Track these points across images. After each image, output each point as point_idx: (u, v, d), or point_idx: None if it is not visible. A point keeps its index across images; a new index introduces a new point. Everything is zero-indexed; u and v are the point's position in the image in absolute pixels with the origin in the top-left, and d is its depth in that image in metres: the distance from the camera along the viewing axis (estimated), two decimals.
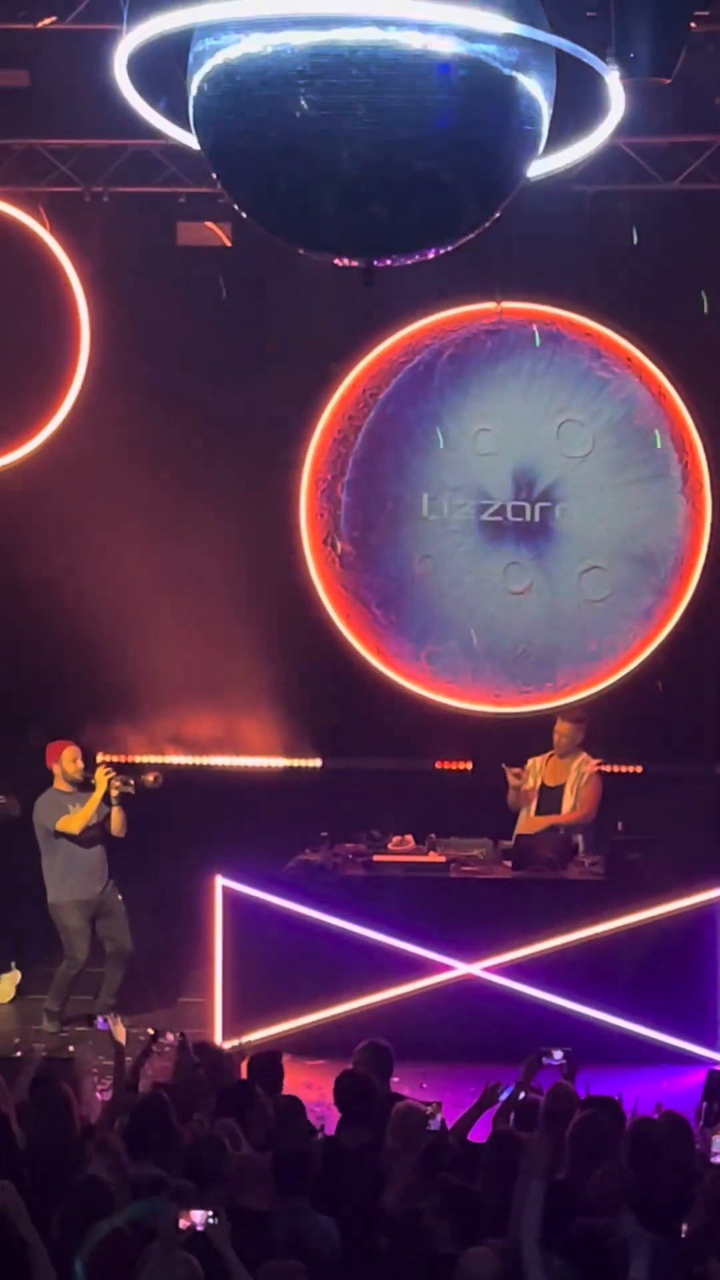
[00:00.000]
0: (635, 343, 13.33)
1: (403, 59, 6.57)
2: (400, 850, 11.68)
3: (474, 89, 6.70)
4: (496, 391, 13.52)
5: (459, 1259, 6.03)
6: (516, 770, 11.98)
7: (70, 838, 11.65)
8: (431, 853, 11.62)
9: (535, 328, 13.43)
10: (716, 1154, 6.68)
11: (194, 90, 6.96)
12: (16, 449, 13.34)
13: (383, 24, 6.50)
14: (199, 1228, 5.94)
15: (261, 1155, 6.94)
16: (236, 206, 7.45)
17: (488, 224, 7.27)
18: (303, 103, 6.61)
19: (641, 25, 8.37)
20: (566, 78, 7.18)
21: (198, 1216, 5.92)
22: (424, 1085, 9.81)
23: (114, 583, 13.23)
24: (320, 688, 13.38)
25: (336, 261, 7.33)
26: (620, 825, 11.71)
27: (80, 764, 11.79)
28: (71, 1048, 11.11)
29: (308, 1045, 10.58)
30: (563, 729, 12.07)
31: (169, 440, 13.32)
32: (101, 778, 11.66)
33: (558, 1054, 7.72)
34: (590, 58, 7.20)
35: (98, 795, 11.64)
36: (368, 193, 6.81)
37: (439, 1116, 7.27)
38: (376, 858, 11.55)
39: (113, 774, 11.70)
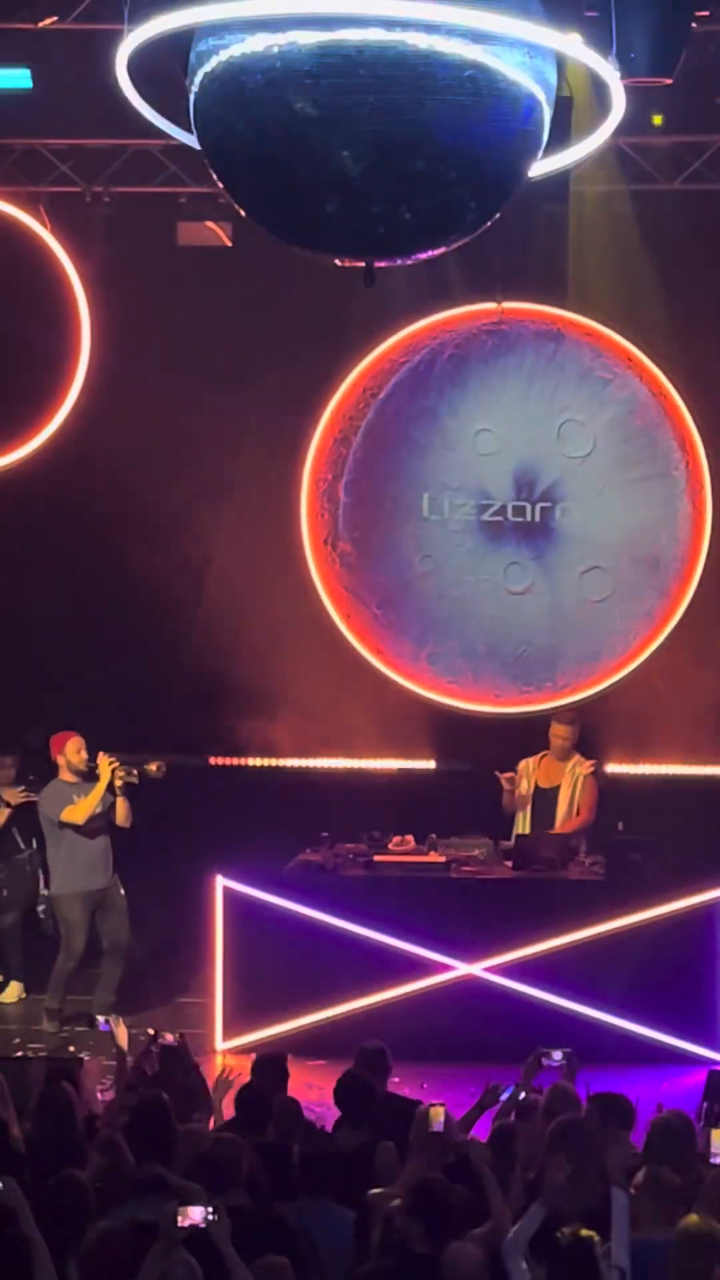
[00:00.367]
0: (636, 343, 13.33)
1: (404, 60, 6.56)
2: (400, 850, 11.69)
3: (475, 89, 6.69)
4: (497, 391, 13.51)
5: (440, 1257, 6.04)
6: (509, 775, 11.97)
7: (75, 828, 11.67)
8: (432, 853, 11.63)
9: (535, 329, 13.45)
10: (716, 1154, 6.67)
11: (195, 90, 6.96)
12: (17, 449, 13.34)
13: (387, 25, 6.49)
14: (200, 1225, 5.93)
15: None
16: (237, 206, 7.45)
17: (488, 224, 7.27)
18: (303, 103, 6.61)
19: (642, 26, 8.38)
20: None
21: (197, 1214, 5.91)
22: (424, 1085, 9.81)
23: (114, 583, 13.24)
24: (321, 688, 13.37)
25: (337, 261, 7.33)
26: (620, 825, 11.72)
27: (84, 754, 11.81)
28: (72, 1048, 11.12)
29: (308, 1045, 10.58)
30: (561, 732, 12.06)
31: (169, 440, 13.31)
32: (105, 768, 11.69)
33: (557, 1054, 7.72)
34: (591, 58, 7.20)
35: (101, 785, 11.67)
36: (368, 193, 6.80)
37: (441, 1118, 7.26)
38: (377, 858, 11.55)
39: (116, 764, 11.73)
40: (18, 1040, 11.42)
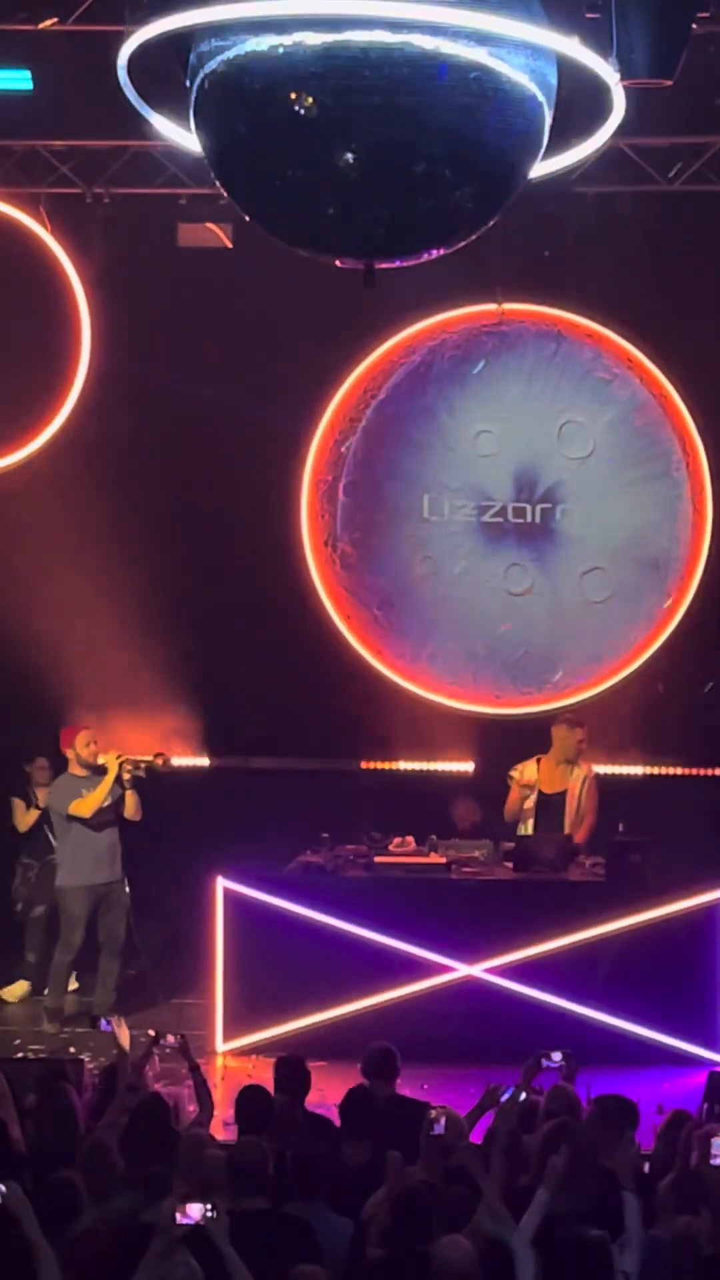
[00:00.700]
0: (636, 344, 13.33)
1: (404, 61, 6.56)
2: (401, 851, 11.68)
3: (475, 91, 6.69)
4: (497, 392, 13.52)
5: (433, 1249, 6.05)
6: (529, 781, 11.86)
7: (82, 822, 11.68)
8: (432, 854, 11.63)
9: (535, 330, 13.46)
10: (717, 1155, 6.66)
11: (195, 91, 6.96)
12: (18, 450, 13.34)
13: (382, 26, 6.49)
14: (198, 1222, 5.93)
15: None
16: (237, 208, 7.45)
17: (489, 225, 7.27)
18: (304, 104, 6.60)
19: (642, 27, 8.37)
20: (567, 78, 7.17)
21: (195, 1211, 5.91)
22: (424, 1087, 9.80)
23: (114, 583, 13.24)
24: (321, 689, 13.38)
25: (338, 263, 7.33)
26: (621, 827, 11.71)
27: (94, 748, 11.84)
28: (73, 1048, 11.12)
29: (308, 1047, 10.53)
30: (578, 735, 11.86)
31: (170, 441, 13.32)
32: (113, 761, 11.72)
33: (557, 1055, 7.71)
34: (591, 59, 7.20)
35: (109, 779, 11.71)
36: (369, 194, 6.81)
37: (443, 1120, 7.25)
38: (377, 859, 11.55)
39: (124, 758, 11.76)
40: (18, 1041, 11.42)
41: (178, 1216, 5.91)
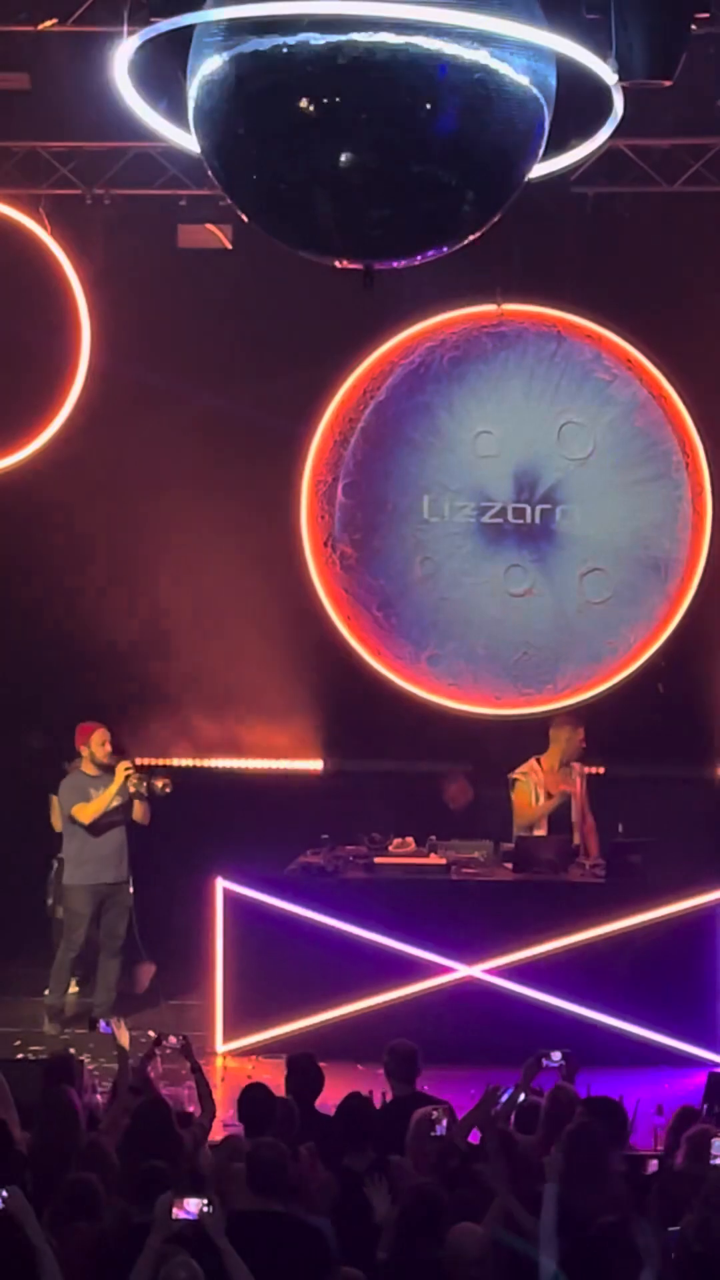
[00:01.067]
0: (636, 344, 13.34)
1: (404, 62, 6.56)
2: (401, 852, 11.69)
3: (474, 91, 6.69)
4: (497, 393, 13.52)
5: (446, 1236, 6.05)
6: (564, 788, 11.87)
7: (82, 826, 11.68)
8: (432, 855, 11.63)
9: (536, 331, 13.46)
10: (717, 1156, 6.66)
11: (194, 92, 6.95)
12: (17, 451, 13.34)
13: (384, 27, 6.49)
14: (193, 1217, 5.92)
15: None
16: (237, 209, 7.45)
17: (489, 226, 7.27)
18: (303, 105, 6.60)
19: (641, 28, 8.36)
20: (567, 79, 7.17)
21: (192, 1206, 5.90)
22: (424, 1088, 9.79)
23: (114, 585, 13.24)
24: (321, 690, 13.39)
25: (337, 264, 7.32)
26: (621, 827, 11.71)
27: (109, 748, 11.83)
28: (72, 1050, 11.11)
29: (308, 1048, 10.53)
30: (580, 735, 11.93)
31: (170, 443, 13.32)
32: (120, 771, 11.70)
33: (557, 1055, 7.71)
34: (591, 60, 7.20)
35: (113, 789, 11.69)
36: (368, 195, 6.80)
37: (445, 1121, 7.25)
38: (377, 860, 11.55)
39: (131, 770, 11.73)
40: (18, 1043, 11.41)
41: (175, 1211, 5.91)
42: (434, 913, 11.12)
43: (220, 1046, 11.17)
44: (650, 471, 13.46)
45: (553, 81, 6.98)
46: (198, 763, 13.56)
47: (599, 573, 13.48)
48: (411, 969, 11.00)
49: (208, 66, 6.81)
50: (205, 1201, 5.92)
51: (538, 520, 13.54)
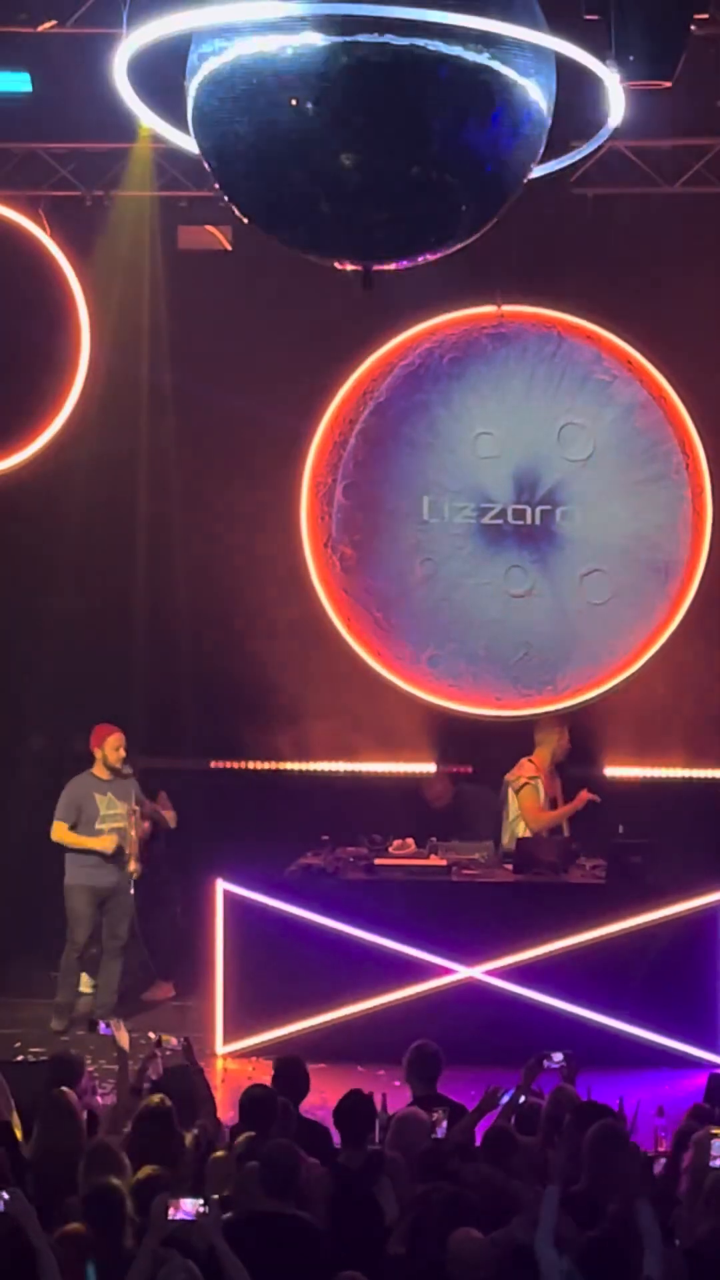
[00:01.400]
0: (636, 345, 13.32)
1: (405, 64, 6.56)
2: (401, 854, 11.69)
3: (475, 93, 6.69)
4: (497, 394, 13.51)
5: (447, 1243, 6.05)
6: (594, 798, 11.99)
7: (88, 824, 11.61)
8: (433, 856, 11.64)
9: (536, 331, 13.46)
10: (716, 1157, 6.66)
11: (193, 93, 6.96)
12: (17, 452, 13.34)
13: (384, 28, 6.49)
14: (190, 1218, 5.92)
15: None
16: (236, 211, 7.45)
17: (488, 227, 7.27)
18: (303, 106, 6.60)
19: (641, 29, 8.37)
20: (566, 80, 7.17)
21: (188, 1206, 5.90)
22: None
23: (114, 586, 13.24)
24: (321, 691, 13.38)
25: (336, 265, 7.32)
26: (621, 828, 11.72)
27: (122, 752, 11.78)
28: (73, 1052, 11.10)
29: (308, 1049, 10.54)
30: (565, 735, 12.07)
31: (170, 444, 13.31)
32: (110, 843, 11.61)
33: (557, 1057, 7.72)
34: (591, 61, 7.20)
35: (96, 845, 11.61)
36: (367, 196, 6.80)
37: (444, 1123, 7.25)
38: (378, 861, 11.55)
39: (118, 837, 11.65)
40: (19, 1044, 11.41)
41: (171, 1212, 5.90)
42: (434, 914, 11.13)
43: (220, 1048, 11.17)
44: (651, 472, 13.45)
45: (553, 83, 6.98)
46: (197, 764, 13.54)
47: (599, 574, 13.47)
48: (412, 970, 11.01)
49: (209, 66, 6.82)
50: (201, 1202, 5.92)
51: (538, 521, 13.52)
